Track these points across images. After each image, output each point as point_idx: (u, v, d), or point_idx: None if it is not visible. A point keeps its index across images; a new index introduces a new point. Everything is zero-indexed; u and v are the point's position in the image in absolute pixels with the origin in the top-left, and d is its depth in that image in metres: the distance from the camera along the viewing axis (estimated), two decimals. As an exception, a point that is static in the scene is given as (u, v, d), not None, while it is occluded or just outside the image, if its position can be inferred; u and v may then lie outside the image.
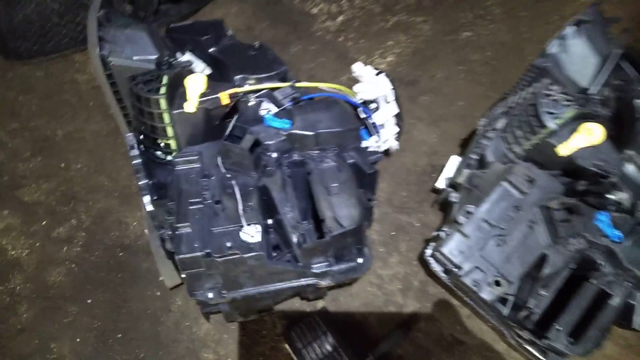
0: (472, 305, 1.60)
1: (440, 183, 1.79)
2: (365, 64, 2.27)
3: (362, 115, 1.75)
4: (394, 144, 1.85)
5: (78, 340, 1.63)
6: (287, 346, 1.61)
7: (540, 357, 1.53)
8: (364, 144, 1.71)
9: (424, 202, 1.97)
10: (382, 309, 1.75)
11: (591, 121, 1.37)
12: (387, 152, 1.97)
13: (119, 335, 1.64)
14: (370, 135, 1.77)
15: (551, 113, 1.36)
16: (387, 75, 1.70)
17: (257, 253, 1.25)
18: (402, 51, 2.40)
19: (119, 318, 1.67)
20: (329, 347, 1.59)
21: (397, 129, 1.80)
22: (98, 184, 1.92)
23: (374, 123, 1.71)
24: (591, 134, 1.37)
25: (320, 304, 1.73)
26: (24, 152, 1.96)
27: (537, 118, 1.38)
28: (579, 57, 1.37)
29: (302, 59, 2.35)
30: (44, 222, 1.82)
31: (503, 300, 1.46)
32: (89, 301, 1.69)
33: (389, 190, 2.00)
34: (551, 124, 1.36)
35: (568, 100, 1.35)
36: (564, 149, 1.38)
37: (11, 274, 1.72)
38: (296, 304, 1.73)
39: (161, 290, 1.72)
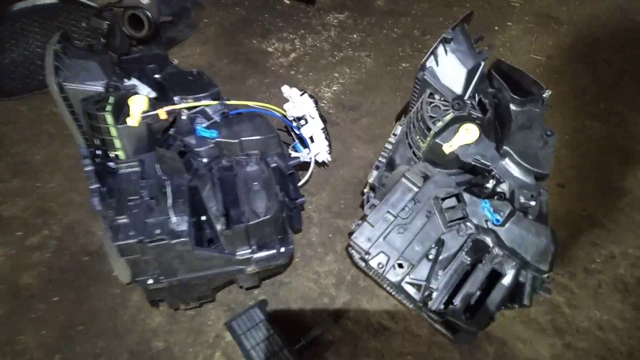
0: (392, 293, 1.81)
1: (367, 188, 2.03)
2: (313, 93, 2.59)
3: (296, 131, 2.02)
4: (326, 156, 2.10)
5: (43, 332, 1.83)
6: (228, 334, 1.82)
7: (449, 335, 1.73)
8: (296, 154, 1.98)
9: (360, 209, 2.20)
10: (317, 300, 1.96)
11: (469, 122, 1.63)
12: (324, 165, 2.23)
13: (80, 328, 1.85)
14: (303, 147, 2.04)
15: (433, 117, 1.62)
16: (311, 96, 1.98)
17: (183, 239, 1.49)
18: (346, 81, 2.70)
19: (81, 313, 1.88)
20: (266, 334, 1.80)
21: (326, 142, 2.06)
22: (69, 199, 2.17)
23: (302, 135, 1.98)
24: (469, 133, 1.62)
25: (260, 297, 1.94)
26: (5, 174, 2.23)
27: (424, 122, 1.64)
28: (450, 69, 1.64)
29: (258, 90, 2.65)
30: (19, 233, 2.07)
31: (418, 287, 1.66)
32: (55, 299, 1.91)
33: (329, 198, 2.24)
34: (434, 126, 1.61)
35: (446, 106, 1.61)
36: (448, 147, 1.63)
37: (-13, 278, 1.96)
38: (240, 298, 1.94)
39: (120, 289, 1.94)
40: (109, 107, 1.59)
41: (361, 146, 2.42)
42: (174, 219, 1.50)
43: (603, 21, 3.09)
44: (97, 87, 1.65)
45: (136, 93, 1.70)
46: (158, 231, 1.47)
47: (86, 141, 1.76)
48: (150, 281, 1.59)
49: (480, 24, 3.01)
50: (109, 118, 1.59)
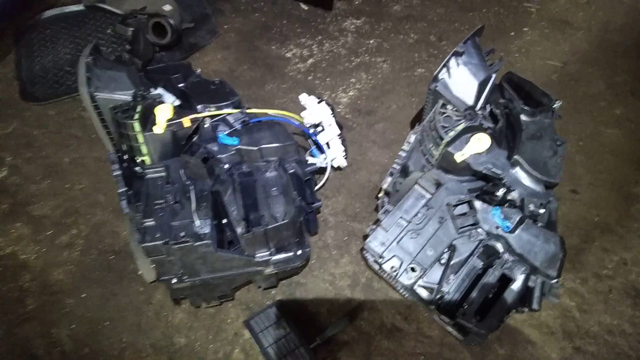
0: (405, 295, 1.86)
1: (381, 193, 2.09)
2: (330, 98, 2.66)
3: (313, 138, 2.10)
4: (342, 162, 2.17)
5: (73, 327, 1.94)
6: (247, 332, 1.90)
7: (460, 337, 1.79)
8: (313, 160, 2.05)
9: (374, 212, 2.26)
10: (332, 301, 2.03)
11: (480, 132, 1.68)
12: (340, 169, 2.30)
13: (107, 323, 1.95)
14: (320, 153, 2.11)
15: (445, 127, 1.68)
16: (328, 103, 2.05)
17: (205, 242, 1.57)
18: (363, 87, 2.76)
19: (108, 309, 1.99)
20: (282, 332, 1.87)
21: (342, 148, 2.12)
22: (96, 200, 2.28)
23: (318, 142, 2.05)
24: (480, 143, 1.68)
25: (277, 297, 2.02)
26: (36, 176, 2.35)
27: (437, 132, 1.70)
28: (462, 81, 1.70)
29: (276, 95, 2.72)
30: (50, 232, 2.18)
31: (431, 290, 1.72)
32: (84, 295, 2.02)
33: (345, 202, 2.30)
34: (446, 135, 1.67)
35: (458, 116, 1.67)
36: (460, 156, 1.69)
37: (20, 273, 2.07)
38: (258, 297, 2.02)
39: (144, 287, 2.03)
40: (136, 116, 1.68)
41: (377, 151, 2.47)
42: (197, 222, 1.59)
43: (620, 26, 3.09)
44: (126, 96, 1.74)
45: (162, 102, 1.79)
46: (182, 234, 1.55)
47: (114, 147, 1.86)
48: (174, 280, 1.68)
49: (496, 30, 3.05)
50: (137, 126, 1.68)
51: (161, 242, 1.55)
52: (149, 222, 1.58)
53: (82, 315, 1.98)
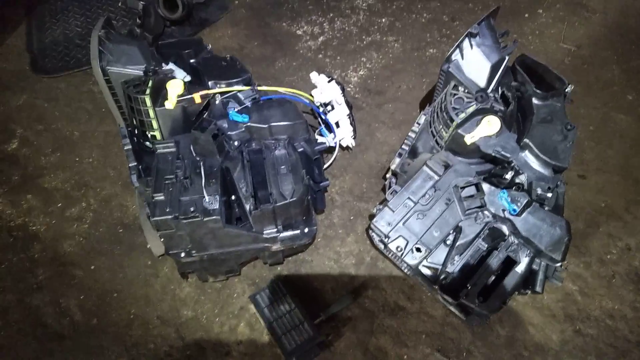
0: (410, 275, 1.88)
1: (389, 173, 2.10)
2: (340, 77, 2.64)
3: (323, 117, 2.10)
4: (350, 141, 2.17)
5: (82, 297, 1.99)
6: (252, 306, 1.93)
7: (462, 317, 1.81)
8: (322, 139, 2.05)
9: (381, 192, 2.27)
10: (337, 279, 2.05)
11: (491, 115, 1.68)
12: (348, 149, 2.30)
13: (115, 295, 2.00)
14: (329, 132, 2.11)
15: (456, 108, 1.68)
16: (338, 82, 2.04)
17: (214, 217, 1.59)
18: (373, 66, 2.74)
19: (116, 281, 2.03)
20: (287, 307, 1.91)
21: (351, 128, 2.12)
22: (105, 174, 2.31)
23: (328, 121, 2.05)
24: (491, 125, 1.67)
25: (283, 273, 2.04)
26: (46, 149, 2.37)
27: (448, 113, 1.70)
28: (475, 62, 1.69)
29: (286, 73, 2.71)
30: (60, 204, 2.22)
31: (435, 270, 1.74)
32: (92, 267, 2.06)
33: (352, 182, 2.31)
34: (457, 117, 1.67)
35: (469, 98, 1.66)
36: (470, 138, 1.69)
37: (31, 244, 2.11)
38: (264, 273, 2.05)
39: (152, 260, 2.07)
40: (148, 90, 1.69)
41: (385, 131, 2.47)
42: (206, 198, 1.60)
43: (637, 10, 3.03)
44: (138, 71, 1.75)
45: (173, 77, 1.79)
46: (192, 209, 1.57)
47: (125, 121, 1.87)
48: (183, 254, 1.71)
49: (509, 11, 3.01)
50: (148, 100, 1.69)
51: (170, 216, 1.57)
52: (159, 197, 1.60)
53: (91, 286, 2.02)
